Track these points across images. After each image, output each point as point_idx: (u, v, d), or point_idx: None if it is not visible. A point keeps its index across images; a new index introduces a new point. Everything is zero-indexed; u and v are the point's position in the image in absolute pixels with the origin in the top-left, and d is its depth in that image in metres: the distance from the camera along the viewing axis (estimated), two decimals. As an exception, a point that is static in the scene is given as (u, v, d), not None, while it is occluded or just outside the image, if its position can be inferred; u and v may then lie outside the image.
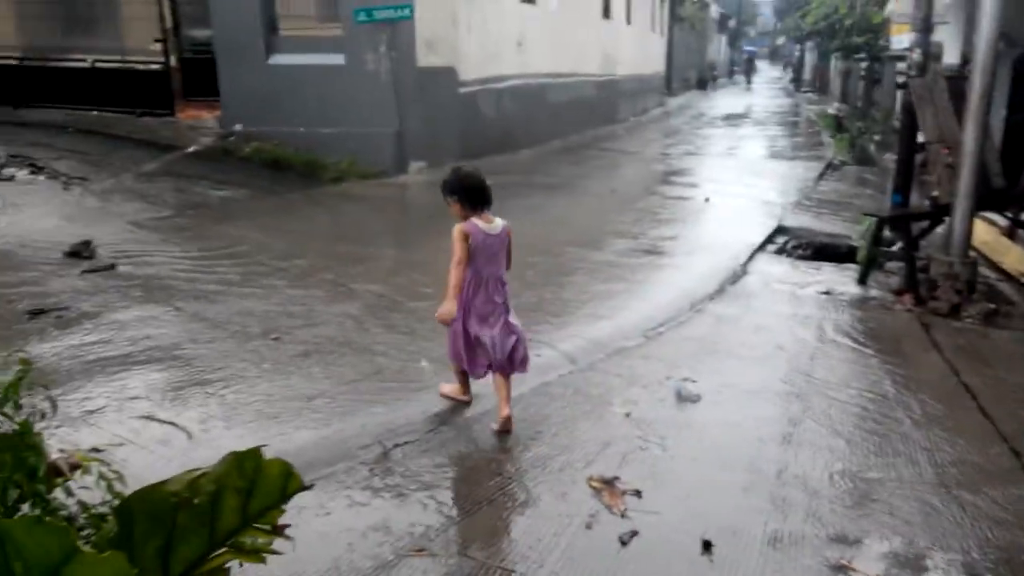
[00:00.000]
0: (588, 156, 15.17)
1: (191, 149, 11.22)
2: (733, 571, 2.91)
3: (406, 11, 10.94)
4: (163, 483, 1.41)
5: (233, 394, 4.20)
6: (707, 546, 3.02)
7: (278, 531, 1.46)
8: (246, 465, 1.41)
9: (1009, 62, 8.74)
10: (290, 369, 4.55)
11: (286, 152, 11.28)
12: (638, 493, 3.40)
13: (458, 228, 3.87)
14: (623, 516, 3.22)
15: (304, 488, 1.47)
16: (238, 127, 11.74)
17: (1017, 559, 3.03)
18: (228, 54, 11.80)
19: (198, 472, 1.42)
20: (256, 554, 1.45)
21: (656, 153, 16.29)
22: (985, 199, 6.55)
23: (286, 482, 1.43)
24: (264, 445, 1.50)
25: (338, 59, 11.39)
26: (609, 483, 3.47)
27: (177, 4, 13.76)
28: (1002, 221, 7.97)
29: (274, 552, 1.47)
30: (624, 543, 3.05)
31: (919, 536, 3.17)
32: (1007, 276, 7.23)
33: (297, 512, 2.83)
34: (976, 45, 6.03)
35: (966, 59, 9.87)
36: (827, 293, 6.62)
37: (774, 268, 7.50)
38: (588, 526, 3.15)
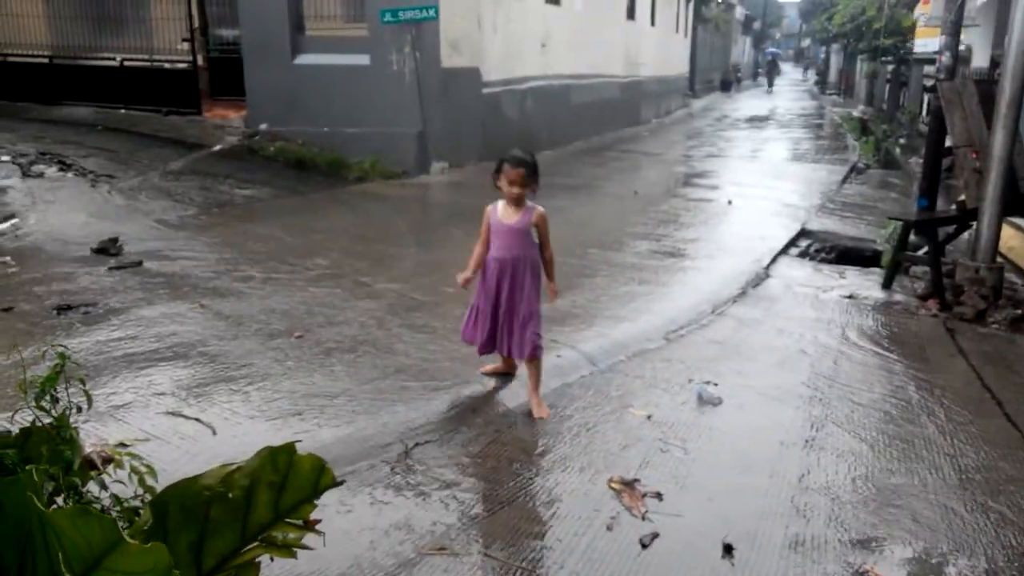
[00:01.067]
0: (610, 157, 15.15)
1: (217, 148, 11.33)
2: (754, 575, 2.90)
3: (431, 12, 10.99)
4: (197, 477, 1.44)
5: (257, 391, 4.24)
6: (728, 550, 3.02)
7: (310, 526, 1.49)
8: (279, 460, 1.43)
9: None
10: (313, 367, 4.60)
11: (310, 152, 11.38)
12: (659, 495, 3.40)
13: (544, 211, 4.17)
14: (644, 518, 3.23)
15: (337, 483, 1.50)
16: (263, 126, 11.85)
17: (1042, 568, 3.00)
18: (255, 54, 11.92)
19: (232, 466, 1.45)
20: (287, 548, 1.47)
21: (679, 155, 16.24)
22: (1013, 204, 6.49)
23: (318, 477, 1.45)
24: (298, 440, 1.52)
25: (363, 59, 11.47)
26: (630, 485, 3.47)
27: (205, 4, 13.91)
28: (1030, 227, 7.89)
29: (305, 547, 1.49)
30: (645, 545, 3.05)
31: (942, 542, 3.15)
32: (1034, 282, 7.14)
33: (320, 510, 2.87)
34: (1007, 48, 5.97)
35: (996, 63, 9.78)
36: (851, 297, 6.57)
37: (797, 271, 7.46)
38: (609, 527, 3.16)
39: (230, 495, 1.42)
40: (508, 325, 4.19)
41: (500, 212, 4.16)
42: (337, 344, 4.96)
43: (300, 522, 1.49)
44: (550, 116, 15.18)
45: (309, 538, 1.51)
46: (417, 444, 3.77)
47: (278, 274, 6.42)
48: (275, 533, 1.46)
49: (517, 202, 4.09)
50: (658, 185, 12.38)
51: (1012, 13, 5.92)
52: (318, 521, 1.52)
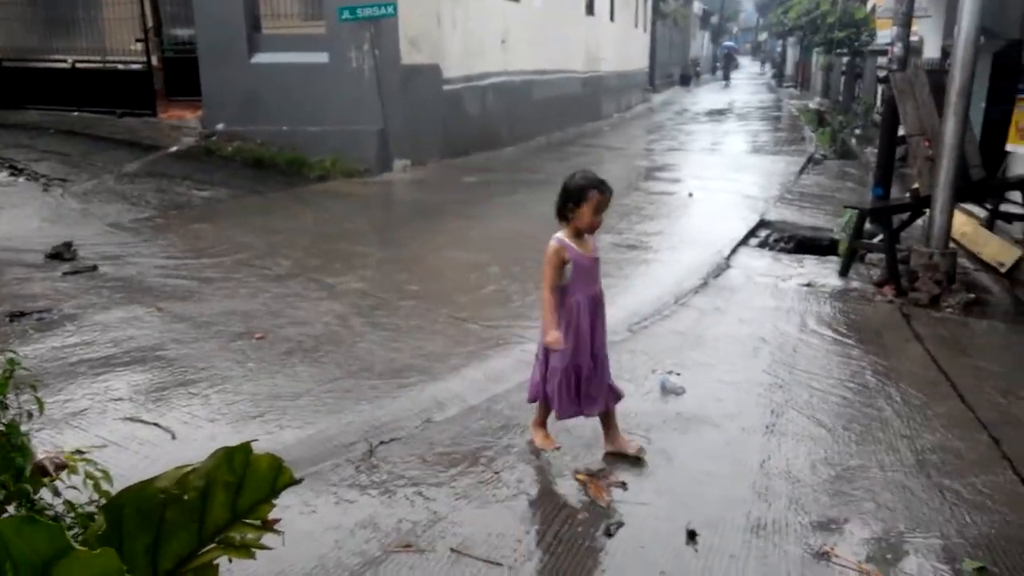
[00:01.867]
0: (572, 152, 15.20)
1: (173, 149, 11.15)
2: (717, 559, 2.94)
3: (390, 9, 10.93)
4: (152, 480, 1.42)
5: (217, 394, 4.19)
6: (692, 536, 3.06)
7: (268, 526, 1.47)
8: (235, 460, 1.42)
9: (989, 55, 8.83)
10: (275, 368, 4.55)
11: (269, 151, 11.25)
12: (623, 485, 3.43)
13: None
14: (609, 508, 3.25)
15: (295, 482, 1.48)
16: (220, 126, 11.69)
17: (996, 544, 3.08)
18: (211, 53, 11.75)
19: (187, 468, 1.43)
20: (245, 549, 1.46)
21: (640, 149, 16.34)
22: (964, 191, 6.64)
23: (276, 476, 1.44)
24: (255, 440, 1.51)
25: (322, 57, 11.37)
26: (595, 476, 3.50)
27: (159, 4, 13.67)
28: (981, 212, 8.08)
29: (263, 547, 1.48)
30: (610, 534, 3.07)
31: (900, 522, 3.21)
32: (986, 266, 7.32)
33: (282, 511, 2.84)
34: (956, 39, 6.10)
35: (947, 53, 9.98)
36: (809, 285, 6.68)
37: (757, 261, 7.56)
38: (575, 519, 3.18)
39: (185, 497, 1.40)
40: (603, 371, 3.64)
41: (577, 245, 3.49)
42: (299, 344, 4.92)
43: (258, 522, 1.47)
44: (511, 112, 15.18)
45: (269, 538, 1.50)
46: (382, 442, 3.75)
47: (238, 275, 6.35)
48: (233, 534, 1.44)
49: (589, 231, 3.54)
50: (620, 179, 12.41)
51: (960, 4, 6.05)
52: (277, 521, 1.50)
